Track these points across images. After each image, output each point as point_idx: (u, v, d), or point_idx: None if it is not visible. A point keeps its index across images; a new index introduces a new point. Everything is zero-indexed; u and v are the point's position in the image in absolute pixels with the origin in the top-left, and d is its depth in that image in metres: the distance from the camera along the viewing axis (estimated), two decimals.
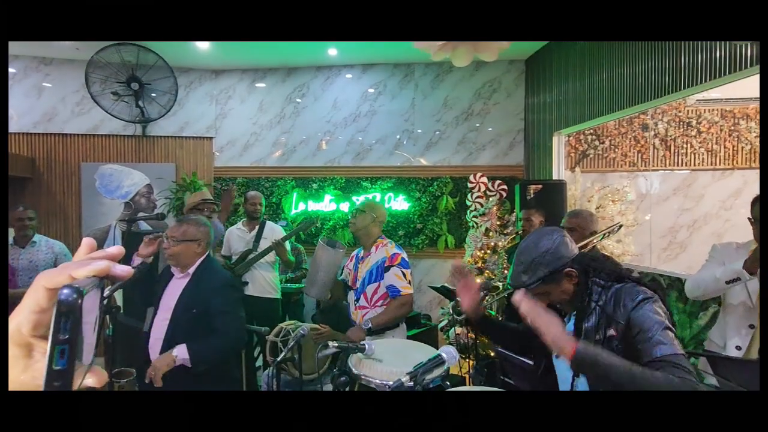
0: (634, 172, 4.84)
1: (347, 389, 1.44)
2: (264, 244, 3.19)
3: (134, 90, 4.16)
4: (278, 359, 2.05)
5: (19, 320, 0.39)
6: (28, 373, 0.39)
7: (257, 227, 3.30)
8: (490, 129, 4.62)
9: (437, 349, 1.57)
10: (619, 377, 0.96)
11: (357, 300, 2.25)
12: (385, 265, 2.17)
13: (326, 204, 4.60)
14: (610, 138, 4.82)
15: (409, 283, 2.18)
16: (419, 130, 4.68)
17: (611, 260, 1.28)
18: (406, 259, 2.23)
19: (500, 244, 3.81)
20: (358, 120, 4.71)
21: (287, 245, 3.24)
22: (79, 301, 0.34)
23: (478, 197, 3.99)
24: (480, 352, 3.23)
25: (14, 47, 4.22)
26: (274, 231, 3.30)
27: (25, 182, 4.35)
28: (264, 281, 3.24)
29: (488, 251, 3.76)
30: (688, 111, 4.76)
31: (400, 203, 4.58)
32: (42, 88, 4.46)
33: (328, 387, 2.28)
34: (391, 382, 1.33)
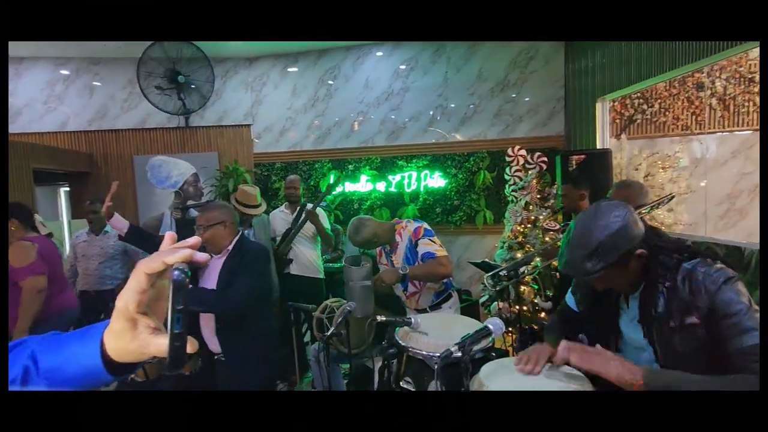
0: (688, 136, 4.52)
1: (395, 360, 1.50)
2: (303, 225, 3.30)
3: (179, 83, 4.33)
4: (327, 335, 2.15)
5: (126, 299, 0.46)
6: (135, 342, 0.47)
7: (298, 210, 3.41)
8: (527, 99, 4.45)
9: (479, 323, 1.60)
10: (693, 389, 0.93)
11: (405, 289, 2.30)
12: (413, 241, 2.21)
13: (363, 184, 4.66)
14: (660, 101, 4.51)
15: (441, 246, 2.18)
16: (453, 105, 4.59)
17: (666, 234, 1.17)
18: (429, 228, 2.24)
19: (541, 217, 3.73)
20: (390, 98, 4.68)
21: (327, 224, 3.33)
22: (186, 279, 0.42)
23: (516, 171, 3.89)
24: (524, 326, 3.23)
25: (66, 49, 4.49)
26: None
27: (85, 177, 4.70)
28: (307, 260, 3.36)
29: (528, 225, 3.69)
30: (750, 65, 4.34)
31: (436, 180, 4.56)
32: (93, 88, 4.75)
33: (377, 360, 2.37)
34: (438, 354, 1.37)
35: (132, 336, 0.47)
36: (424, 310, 2.27)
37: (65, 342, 0.49)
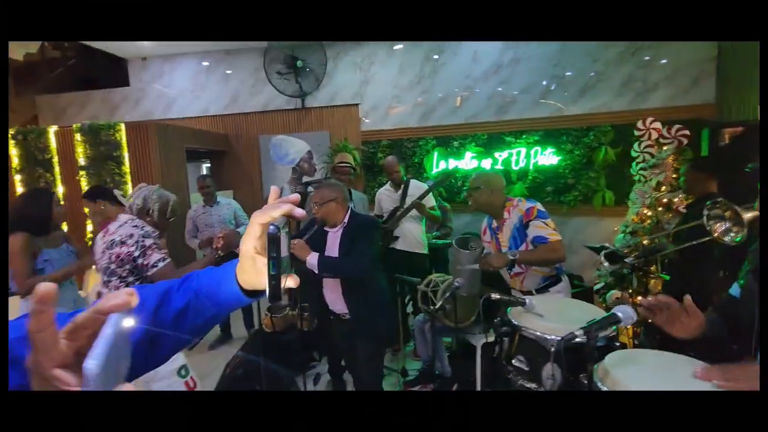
0: None
1: (507, 339, 1.50)
2: (410, 202, 3.39)
3: (297, 67, 4.70)
4: (434, 308, 2.23)
5: (247, 243, 0.59)
6: (256, 278, 0.59)
7: (403, 186, 3.51)
8: (664, 62, 3.84)
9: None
10: None
11: (510, 269, 2.23)
12: (524, 222, 2.11)
13: (467, 162, 4.56)
14: None
15: (554, 230, 2.06)
16: (570, 74, 4.18)
17: None
18: (542, 209, 2.12)
19: (675, 200, 3.25)
20: (499, 71, 4.44)
21: (432, 201, 3.38)
22: (279, 233, 0.53)
23: (647, 146, 3.43)
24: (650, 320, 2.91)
25: (206, 43, 5.14)
26: (418, 188, 3.46)
27: (223, 155, 5.43)
28: (412, 237, 3.46)
29: (659, 209, 3.25)
30: None
31: (547, 157, 4.25)
32: (227, 76, 5.40)
33: (481, 337, 2.39)
34: (554, 336, 1.33)
35: (254, 271, 0.59)
36: (529, 293, 2.18)
37: (218, 273, 0.65)
